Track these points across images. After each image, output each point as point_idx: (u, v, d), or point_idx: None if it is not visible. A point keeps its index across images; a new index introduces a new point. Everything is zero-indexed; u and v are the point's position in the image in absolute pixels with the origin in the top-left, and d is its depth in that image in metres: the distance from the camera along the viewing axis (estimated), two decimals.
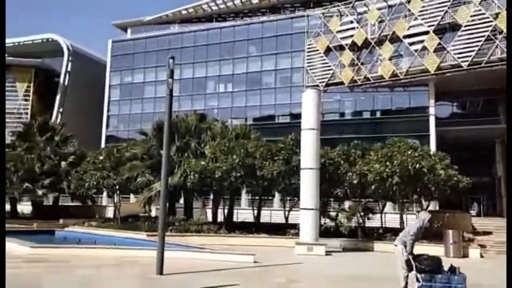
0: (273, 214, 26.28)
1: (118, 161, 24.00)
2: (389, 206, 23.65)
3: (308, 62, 42.54)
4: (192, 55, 54.70)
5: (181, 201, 24.98)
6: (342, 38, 39.44)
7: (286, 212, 21.58)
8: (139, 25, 60.58)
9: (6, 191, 28.12)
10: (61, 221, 25.49)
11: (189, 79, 54.36)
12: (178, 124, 23.43)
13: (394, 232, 18.53)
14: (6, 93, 66.65)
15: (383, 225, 20.33)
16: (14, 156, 29.22)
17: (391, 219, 21.69)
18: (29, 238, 17.12)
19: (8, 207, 30.23)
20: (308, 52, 42.57)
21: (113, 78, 59.29)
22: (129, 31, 61.69)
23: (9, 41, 67.18)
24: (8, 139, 35.95)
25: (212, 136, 22.99)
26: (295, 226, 18.77)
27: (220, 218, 23.13)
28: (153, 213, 26.00)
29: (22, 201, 30.62)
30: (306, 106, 17.29)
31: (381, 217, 20.50)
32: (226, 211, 23.16)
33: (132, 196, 30.65)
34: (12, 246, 14.70)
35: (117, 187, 23.52)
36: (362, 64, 37.75)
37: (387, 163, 17.80)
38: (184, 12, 58.45)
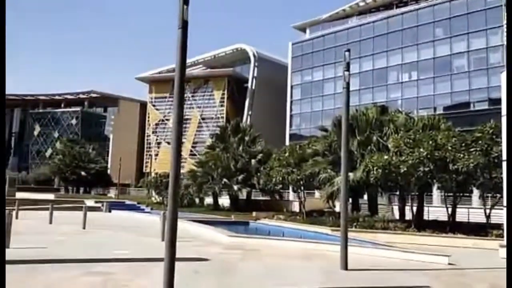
0: (471, 212, 23.48)
1: (300, 157, 24.85)
2: None
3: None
4: (372, 46, 53.16)
5: (365, 197, 24.43)
6: None
7: (487, 210, 19.00)
8: (316, 24, 61.92)
9: (209, 186, 32.20)
10: (254, 213, 27.82)
11: (369, 71, 52.97)
12: (358, 118, 22.95)
13: None
14: (206, 102, 76.66)
15: None
16: (214, 155, 33.23)
17: None
18: (228, 228, 19.22)
19: (211, 200, 34.54)
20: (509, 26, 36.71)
21: (294, 78, 62.02)
22: (307, 31, 63.61)
23: (207, 55, 76.92)
24: (209, 141, 41.12)
25: (395, 128, 21.78)
26: (499, 226, 16.35)
27: (408, 215, 21.75)
28: (337, 208, 26.11)
29: (222, 195, 34.48)
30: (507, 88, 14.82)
31: None
32: (415, 208, 21.66)
33: (316, 191, 31.43)
34: (215, 235, 16.70)
35: (301, 182, 24.37)
36: None
37: None
38: (362, 3, 57.24)
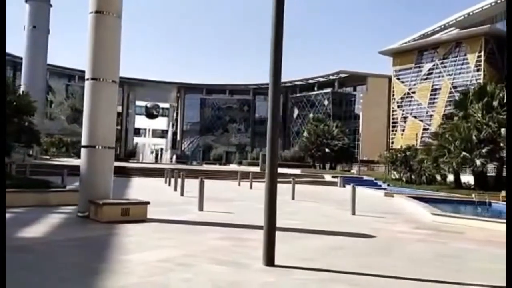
0: None
1: None
2: None
3: None
4: None
5: None
6: None
7: None
8: None
9: (445, 160, 28.50)
10: (503, 192, 23.12)
11: None
12: None
13: None
14: (459, 68, 67.98)
15: None
16: (450, 126, 29.22)
17: None
18: (460, 208, 16.72)
19: (451, 177, 30.61)
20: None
21: None
22: None
23: (459, 14, 68.01)
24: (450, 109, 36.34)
25: None
26: None
27: None
28: None
29: (466, 172, 30.14)
30: None
31: None
32: None
33: None
34: (418, 212, 14.65)
35: None
36: None
37: None
38: None
